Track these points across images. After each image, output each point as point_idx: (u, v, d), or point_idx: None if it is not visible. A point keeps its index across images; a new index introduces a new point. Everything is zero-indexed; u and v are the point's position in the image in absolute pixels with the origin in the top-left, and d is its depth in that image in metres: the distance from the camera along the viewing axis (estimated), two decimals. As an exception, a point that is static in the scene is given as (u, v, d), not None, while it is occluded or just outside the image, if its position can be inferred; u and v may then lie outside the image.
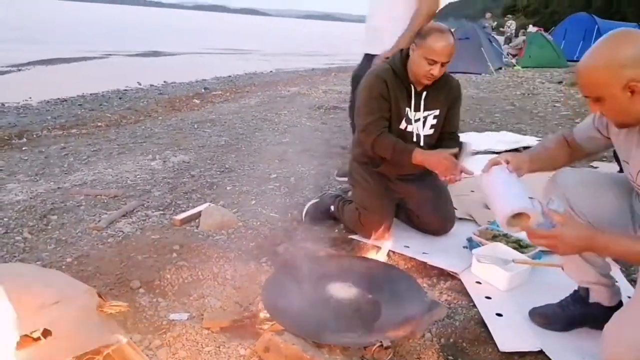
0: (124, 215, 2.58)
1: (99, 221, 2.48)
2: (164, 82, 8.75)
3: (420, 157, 2.13)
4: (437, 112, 2.30)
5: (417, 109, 2.26)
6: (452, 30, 2.15)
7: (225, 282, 1.93)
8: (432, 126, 2.31)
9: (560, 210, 1.37)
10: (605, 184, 1.54)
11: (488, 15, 18.36)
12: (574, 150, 1.62)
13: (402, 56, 2.25)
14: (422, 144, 2.29)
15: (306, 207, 2.61)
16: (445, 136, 2.36)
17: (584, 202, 1.53)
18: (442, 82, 2.27)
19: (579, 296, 1.66)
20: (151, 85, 8.31)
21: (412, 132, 2.28)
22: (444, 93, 2.30)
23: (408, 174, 2.36)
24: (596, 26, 14.28)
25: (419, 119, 2.28)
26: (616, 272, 2.05)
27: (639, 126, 1.37)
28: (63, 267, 2.01)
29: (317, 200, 2.62)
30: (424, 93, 2.25)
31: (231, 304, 1.79)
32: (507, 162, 1.53)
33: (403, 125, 2.27)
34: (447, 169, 2.07)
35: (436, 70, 2.11)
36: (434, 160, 2.11)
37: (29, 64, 10.42)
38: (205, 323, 1.62)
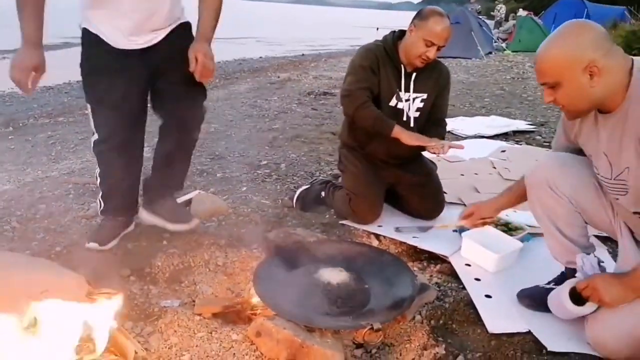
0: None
1: (88, 210, 2.46)
2: (153, 68, 8.65)
3: (398, 130, 2.15)
4: (424, 95, 2.31)
5: (407, 90, 2.27)
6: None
7: (217, 269, 1.93)
8: (418, 109, 2.32)
9: (590, 272, 1.47)
10: (587, 167, 1.56)
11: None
12: None
13: (394, 36, 2.27)
14: (411, 124, 2.30)
15: (297, 193, 2.61)
16: (433, 122, 2.36)
17: (565, 183, 1.55)
18: (432, 67, 2.28)
19: (566, 278, 1.69)
20: (139, 72, 8.20)
21: (402, 110, 2.29)
22: (433, 78, 2.31)
23: (395, 156, 2.37)
24: (585, 10, 14.29)
25: (408, 99, 2.29)
26: (603, 253, 2.08)
27: (593, 116, 1.40)
28: (52, 256, 1.99)
29: (307, 186, 2.63)
30: (414, 75, 2.26)
31: (223, 290, 1.80)
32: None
33: (394, 102, 2.28)
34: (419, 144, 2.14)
35: (432, 53, 2.13)
36: (408, 134, 2.15)
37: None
38: (197, 309, 1.63)
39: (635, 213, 1.41)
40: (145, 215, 2.21)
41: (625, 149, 1.32)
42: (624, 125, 1.30)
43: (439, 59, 2.33)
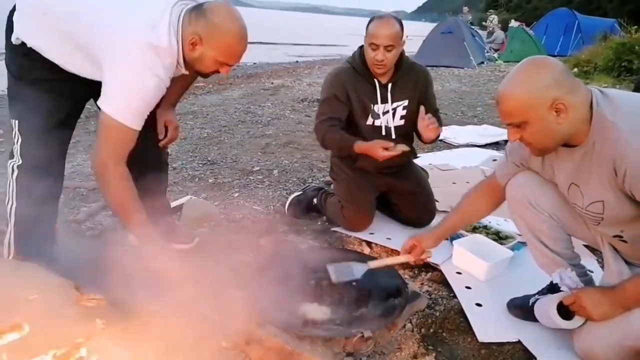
0: (103, 208, 2.54)
1: (78, 214, 2.44)
2: (145, 73, 8.61)
3: (358, 146, 2.10)
4: (405, 102, 2.30)
5: (384, 101, 2.26)
6: (397, 17, 2.15)
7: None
8: (402, 117, 2.31)
9: (573, 285, 1.48)
10: None
11: (465, 9, 18.47)
12: (501, 193, 1.67)
13: (362, 53, 2.24)
14: (393, 136, 2.29)
15: (289, 199, 2.60)
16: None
17: (545, 199, 1.57)
18: (408, 72, 2.27)
19: (555, 287, 1.69)
20: (132, 77, 8.15)
21: (380, 126, 2.28)
22: (411, 83, 2.29)
23: (385, 167, 2.37)
24: (576, 21, 14.47)
25: (387, 111, 2.28)
26: (592, 263, 2.10)
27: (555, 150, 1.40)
28: (41, 260, 1.96)
29: (300, 193, 2.62)
30: (390, 85, 2.25)
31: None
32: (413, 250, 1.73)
33: (370, 121, 2.27)
34: (378, 154, 2.02)
35: (380, 55, 2.10)
36: (368, 146, 2.07)
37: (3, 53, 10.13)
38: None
39: (614, 236, 1.42)
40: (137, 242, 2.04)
41: (597, 183, 1.32)
42: (592, 159, 1.30)
43: (417, 63, 2.33)
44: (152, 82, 1.47)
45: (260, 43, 16.48)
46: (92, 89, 1.63)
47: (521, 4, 54.92)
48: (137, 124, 1.51)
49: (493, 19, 18.84)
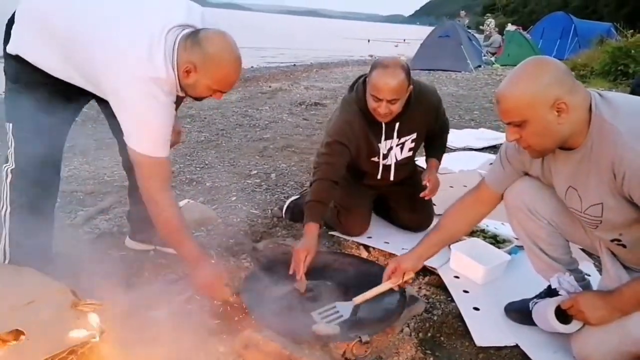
0: (100, 212, 2.54)
1: (75, 218, 2.43)
2: (143, 76, 8.60)
3: (306, 229, 1.94)
4: (414, 135, 2.22)
5: (389, 137, 2.16)
6: (405, 63, 1.97)
7: (205, 279, 1.91)
8: (410, 149, 2.27)
9: (571, 290, 1.48)
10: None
11: (462, 13, 18.58)
12: (492, 201, 1.66)
13: (365, 89, 2.06)
14: (392, 177, 2.27)
15: (287, 203, 2.60)
16: (437, 133, 2.36)
17: (544, 206, 1.57)
18: (416, 105, 2.11)
19: (553, 291, 1.69)
20: (130, 80, 8.15)
21: (379, 164, 2.24)
22: (418, 116, 2.16)
23: (387, 186, 2.38)
24: (573, 25, 14.54)
25: (392, 147, 2.20)
26: (589, 266, 2.10)
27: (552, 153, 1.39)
28: (37, 265, 1.96)
29: (297, 196, 2.62)
30: (397, 124, 2.13)
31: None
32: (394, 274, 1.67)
33: (375, 159, 2.23)
34: (297, 257, 1.81)
35: (382, 108, 1.94)
36: (299, 247, 1.85)
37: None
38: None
39: (612, 240, 1.42)
40: (135, 246, 2.12)
41: (595, 186, 1.31)
42: (590, 162, 1.30)
43: (424, 86, 2.19)
44: (160, 109, 1.51)
45: (258, 48, 16.49)
46: (89, 92, 1.63)
47: (518, 7, 55.27)
48: (164, 151, 1.56)
49: (490, 22, 18.90)
